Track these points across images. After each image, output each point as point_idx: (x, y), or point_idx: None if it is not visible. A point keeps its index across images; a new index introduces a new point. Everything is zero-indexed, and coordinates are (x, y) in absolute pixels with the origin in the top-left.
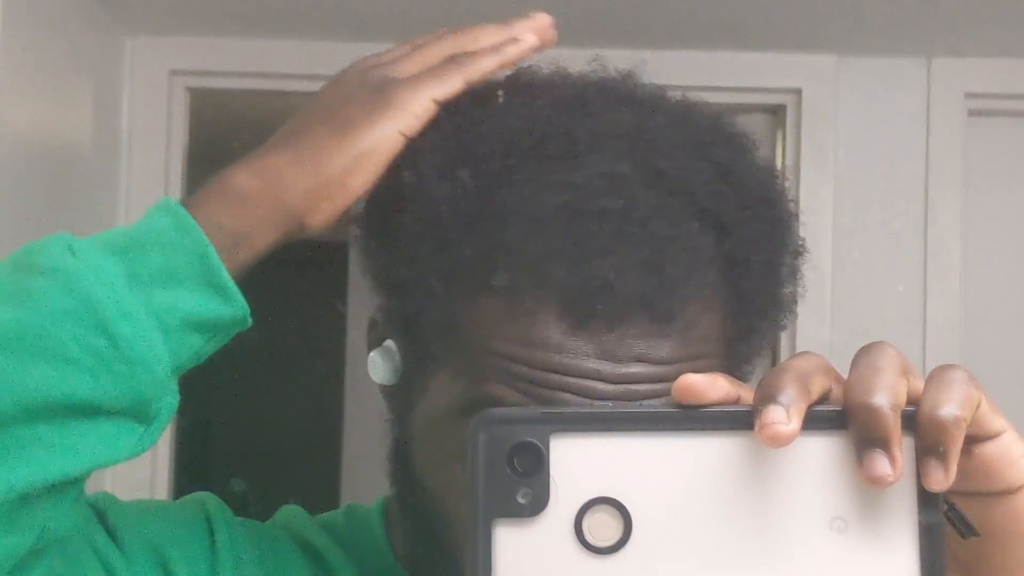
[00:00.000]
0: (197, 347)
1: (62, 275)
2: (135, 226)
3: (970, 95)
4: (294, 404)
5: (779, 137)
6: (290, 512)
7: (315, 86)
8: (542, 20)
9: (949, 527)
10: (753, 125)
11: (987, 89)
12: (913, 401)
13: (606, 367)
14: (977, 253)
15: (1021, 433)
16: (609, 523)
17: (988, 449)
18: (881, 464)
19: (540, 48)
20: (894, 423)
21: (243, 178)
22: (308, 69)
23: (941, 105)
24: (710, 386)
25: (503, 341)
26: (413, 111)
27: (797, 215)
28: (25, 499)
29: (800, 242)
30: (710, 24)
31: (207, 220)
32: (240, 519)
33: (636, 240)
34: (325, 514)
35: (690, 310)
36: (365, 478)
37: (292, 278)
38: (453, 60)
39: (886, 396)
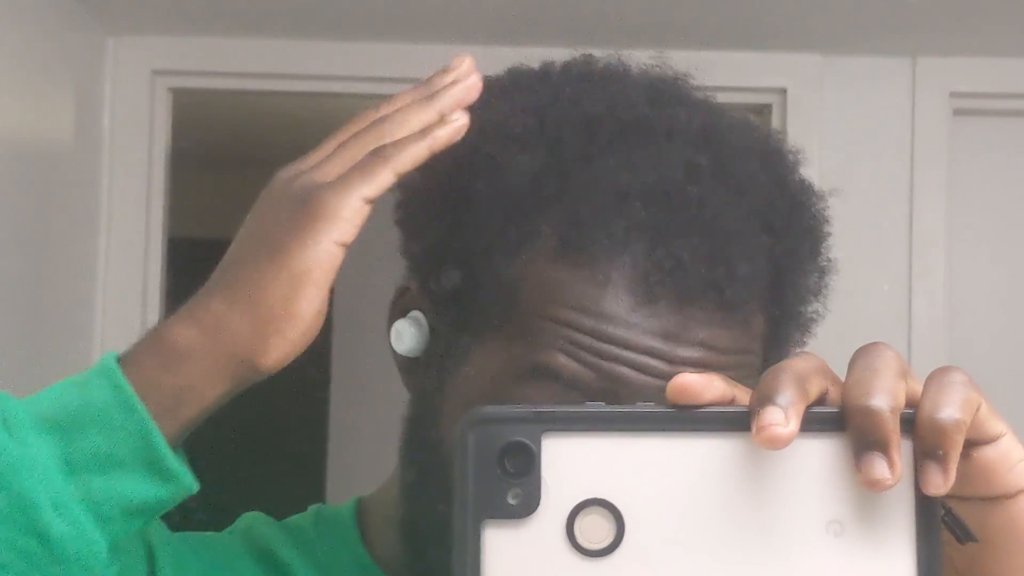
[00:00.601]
0: (139, 526)
1: None
2: (78, 392)
3: (955, 94)
4: (279, 407)
5: None
6: (251, 519)
7: (297, 85)
8: (465, 71)
9: (947, 532)
10: None
11: (972, 88)
12: (912, 404)
13: (667, 347)
14: (962, 252)
15: (1016, 435)
16: (601, 525)
17: (987, 453)
18: (879, 467)
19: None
20: (893, 426)
21: (179, 329)
22: (290, 68)
23: (926, 104)
24: (706, 386)
25: (569, 310)
26: (344, 216)
27: (830, 234)
28: None
29: (830, 261)
30: (695, 23)
31: (144, 380)
32: (186, 535)
33: (710, 229)
34: (292, 518)
35: (750, 305)
36: (350, 484)
37: None
38: (378, 154)
39: (885, 398)
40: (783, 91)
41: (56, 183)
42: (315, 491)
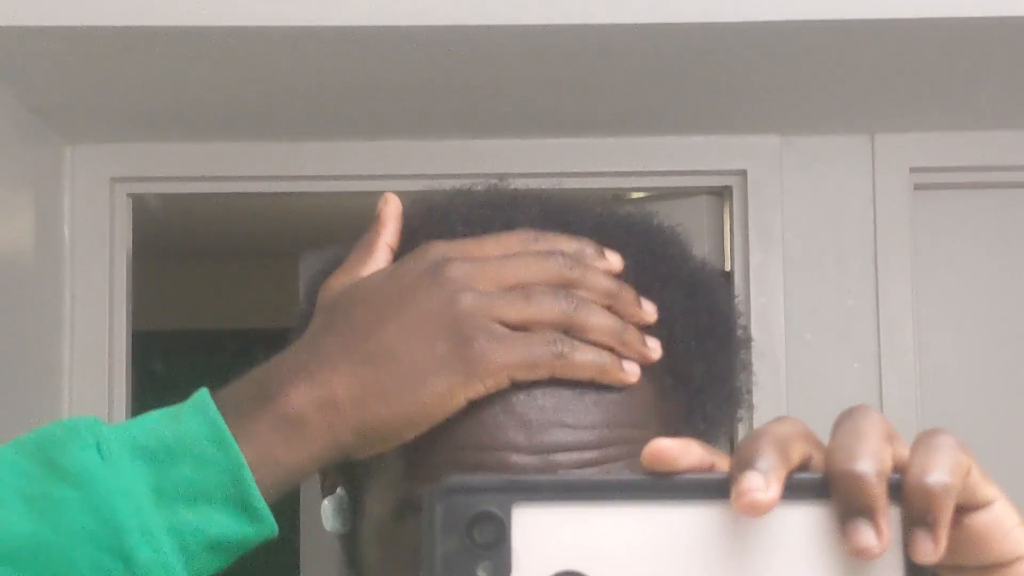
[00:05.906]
0: (219, 565)
1: (89, 487)
2: (170, 423)
3: (915, 170)
4: None
5: (726, 219)
6: None
7: (254, 186)
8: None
9: None
10: (699, 208)
11: (931, 163)
12: (899, 468)
13: (521, 436)
14: (929, 326)
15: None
16: None
17: (979, 519)
18: (866, 535)
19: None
20: (879, 491)
21: (303, 407)
22: (248, 171)
23: (886, 181)
24: (683, 452)
25: (416, 442)
26: (487, 385)
27: (737, 311)
28: None
29: (743, 332)
30: (654, 110)
31: (262, 452)
32: None
33: None
34: None
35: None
36: None
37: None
38: (556, 353)
39: (870, 463)
40: (743, 173)
41: (18, 293)
42: None
